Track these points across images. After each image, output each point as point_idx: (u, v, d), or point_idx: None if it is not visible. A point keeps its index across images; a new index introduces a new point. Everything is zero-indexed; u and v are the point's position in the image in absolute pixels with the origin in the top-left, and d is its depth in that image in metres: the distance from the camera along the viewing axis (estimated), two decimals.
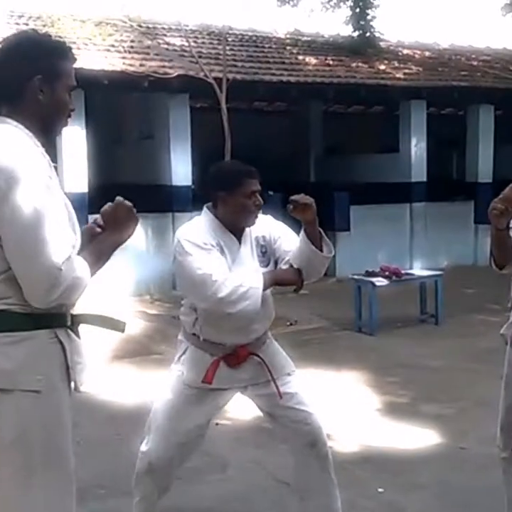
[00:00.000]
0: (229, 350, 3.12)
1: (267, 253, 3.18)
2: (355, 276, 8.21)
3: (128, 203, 2.30)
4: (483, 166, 13.00)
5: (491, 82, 13.02)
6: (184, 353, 3.18)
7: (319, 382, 6.10)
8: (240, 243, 3.13)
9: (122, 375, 6.34)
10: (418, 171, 12.33)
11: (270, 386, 3.15)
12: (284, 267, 3.14)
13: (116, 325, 2.34)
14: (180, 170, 10.55)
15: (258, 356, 3.16)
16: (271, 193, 10.85)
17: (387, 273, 8.11)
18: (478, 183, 12.97)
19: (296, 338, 7.69)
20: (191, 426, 3.15)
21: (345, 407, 5.39)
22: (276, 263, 3.19)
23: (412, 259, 12.15)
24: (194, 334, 3.14)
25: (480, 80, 13.06)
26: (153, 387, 5.85)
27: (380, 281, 7.88)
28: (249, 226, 3.13)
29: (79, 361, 2.19)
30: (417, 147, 12.35)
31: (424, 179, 12.40)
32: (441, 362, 6.69)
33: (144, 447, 3.22)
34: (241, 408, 5.17)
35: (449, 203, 13.04)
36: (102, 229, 2.29)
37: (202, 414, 3.18)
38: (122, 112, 12.40)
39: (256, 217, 3.13)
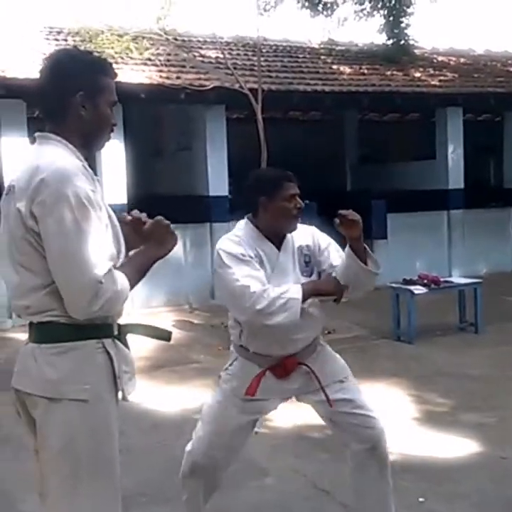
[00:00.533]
0: (276, 361, 3.11)
1: (310, 263, 3.17)
2: (393, 285, 8.18)
3: (166, 221, 2.34)
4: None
5: None
6: (233, 363, 3.22)
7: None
8: (279, 251, 3.12)
9: (164, 384, 6.41)
10: (455, 177, 12.26)
11: (321, 394, 3.14)
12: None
13: (163, 334, 2.41)
14: (217, 180, 10.63)
15: (306, 365, 3.14)
16: (307, 201, 10.84)
17: (425, 281, 8.07)
18: None
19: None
20: (235, 429, 3.18)
21: (385, 416, 5.36)
22: (319, 275, 3.19)
23: (451, 266, 12.05)
24: (241, 346, 3.17)
25: None
26: (194, 396, 5.95)
27: (419, 290, 7.85)
28: (291, 231, 3.13)
29: (126, 370, 2.24)
30: (454, 154, 12.28)
31: (462, 186, 12.32)
32: (481, 370, 6.64)
33: (188, 447, 3.29)
34: (280, 416, 5.22)
35: (487, 210, 12.94)
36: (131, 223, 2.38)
37: (246, 420, 3.21)
38: (160, 125, 12.56)
39: (297, 221, 3.12)
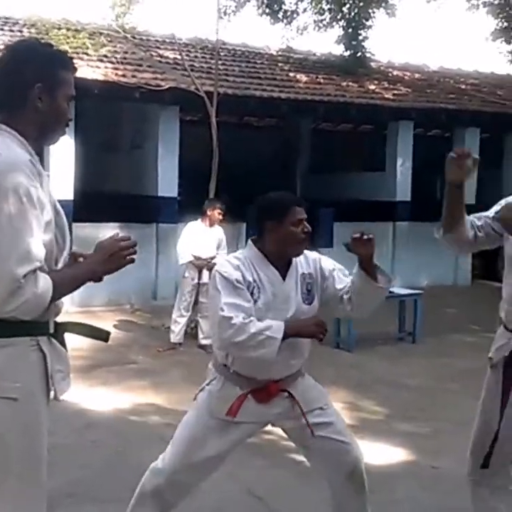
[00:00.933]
0: (259, 384, 3.05)
1: (311, 291, 3.11)
2: None
3: (123, 242, 2.28)
4: (467, 188, 12.99)
5: (478, 105, 13.23)
6: (211, 382, 3.14)
7: None
8: (283, 278, 3.06)
9: (100, 384, 6.38)
10: (403, 190, 12.50)
11: (302, 419, 3.09)
12: (339, 305, 3.12)
13: (101, 334, 2.38)
14: (167, 181, 10.63)
15: (288, 393, 3.09)
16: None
17: None
18: None
19: None
20: (210, 455, 3.08)
21: None
22: (322, 302, 3.13)
23: (393, 277, 12.26)
24: (225, 365, 3.09)
25: (467, 103, 13.28)
26: (130, 397, 5.94)
27: None
28: (298, 255, 3.09)
29: (60, 369, 2.21)
30: (403, 167, 12.52)
31: (409, 198, 12.57)
32: (418, 381, 6.79)
33: (156, 467, 3.15)
34: None
35: (432, 224, 13.01)
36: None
37: (223, 445, 3.10)
38: (113, 122, 12.48)
39: (304, 246, 3.09)
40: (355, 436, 5.08)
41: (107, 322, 8.38)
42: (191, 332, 8.14)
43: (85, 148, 10.54)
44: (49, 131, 2.27)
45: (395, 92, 12.92)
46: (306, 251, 3.14)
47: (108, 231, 9.75)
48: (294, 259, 3.10)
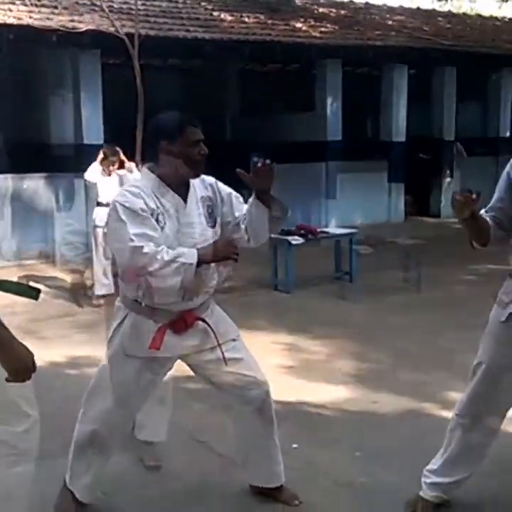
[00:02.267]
0: (174, 316, 2.99)
1: (213, 214, 3.06)
2: (272, 235, 8.18)
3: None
4: (397, 125, 13.19)
5: (405, 41, 13.13)
6: (122, 321, 3.02)
7: None
8: (185, 202, 2.98)
9: (35, 339, 6.17)
10: (333, 129, 12.42)
11: (215, 352, 3.08)
12: (238, 234, 3.06)
13: (30, 292, 2.27)
14: (92, 128, 10.26)
15: (204, 321, 3.06)
16: None
17: (302, 231, 8.15)
18: (392, 142, 13.17)
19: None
20: (136, 393, 3.08)
21: (262, 365, 5.37)
22: (222, 226, 3.08)
23: (328, 217, 12.28)
24: (136, 300, 2.98)
25: (394, 39, 13.16)
26: (67, 350, 5.77)
27: (296, 240, 7.91)
28: (195, 177, 3.00)
29: None
30: (333, 106, 12.41)
31: (340, 138, 12.49)
32: (357, 318, 6.81)
33: (86, 415, 3.14)
34: None
35: (364, 162, 13.18)
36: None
37: (146, 381, 3.08)
38: (32, 68, 11.90)
39: (202, 167, 2.98)
40: (295, 377, 5.13)
41: (36, 276, 8.13)
42: None
43: (4, 97, 10.05)
44: None
45: (322, 29, 12.70)
46: (202, 175, 3.06)
47: (32, 182, 9.51)
48: (191, 183, 3.01)
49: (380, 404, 4.58)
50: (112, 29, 9.09)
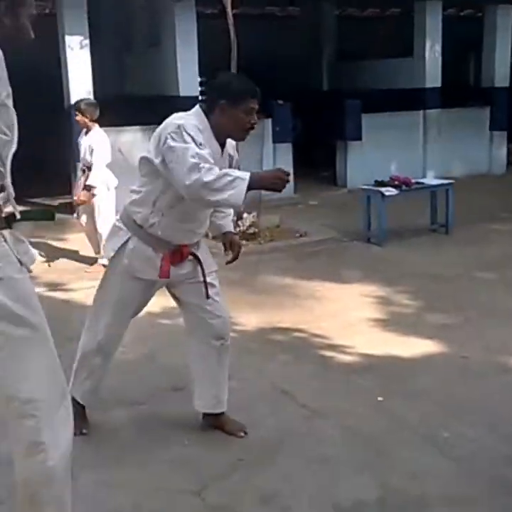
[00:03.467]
0: (172, 247, 3.29)
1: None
2: (364, 187, 8.10)
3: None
4: (500, 70, 12.63)
5: None
6: (126, 243, 3.28)
7: (325, 292, 6.12)
8: (221, 155, 3.24)
9: None
10: (432, 76, 11.99)
11: (198, 279, 3.40)
12: None
13: (47, 215, 2.53)
14: (188, 80, 10.27)
15: (196, 256, 3.39)
16: (280, 102, 10.62)
17: (396, 182, 7.99)
18: (494, 88, 12.63)
19: (304, 250, 7.69)
20: (135, 309, 3.47)
21: (350, 318, 5.41)
22: None
23: (426, 168, 11.96)
24: (141, 227, 3.25)
25: None
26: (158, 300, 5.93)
27: (390, 191, 7.76)
28: (240, 141, 3.30)
29: (24, 251, 2.33)
30: (432, 51, 11.97)
31: (439, 85, 12.07)
32: (450, 271, 6.66)
33: (91, 329, 3.50)
34: (245, 320, 5.24)
35: (464, 109, 12.71)
36: None
37: (144, 299, 3.47)
38: (128, 19, 12.05)
39: (247, 134, 3.23)
40: (384, 330, 5.11)
41: None
42: None
43: (101, 48, 10.23)
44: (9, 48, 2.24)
45: None
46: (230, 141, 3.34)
47: (130, 135, 9.68)
48: (228, 140, 3.27)
49: (469, 359, 4.51)
50: None
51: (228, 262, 3.56)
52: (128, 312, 3.47)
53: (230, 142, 3.34)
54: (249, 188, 2.88)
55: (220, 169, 2.99)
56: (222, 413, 3.63)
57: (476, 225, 8.49)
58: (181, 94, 10.27)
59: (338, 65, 14.24)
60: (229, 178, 2.86)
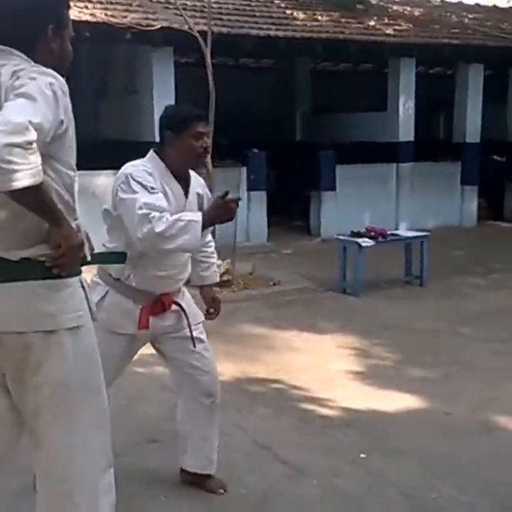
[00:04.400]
0: (153, 297, 3.16)
1: (201, 210, 3.15)
2: (341, 237, 8.08)
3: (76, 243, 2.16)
4: (471, 126, 12.84)
5: (482, 40, 12.76)
6: (104, 297, 3.13)
7: (301, 343, 6.02)
8: (186, 197, 3.14)
9: None
10: (406, 130, 12.15)
11: (184, 333, 3.25)
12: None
13: (119, 257, 2.66)
14: None
15: (180, 306, 3.24)
16: (255, 150, 10.66)
17: (372, 233, 7.98)
18: (465, 144, 12.83)
19: (279, 299, 7.60)
20: (116, 367, 3.19)
21: (328, 370, 5.31)
22: None
23: (398, 219, 12.04)
24: (118, 279, 3.12)
25: (470, 38, 12.79)
26: None
27: (366, 242, 7.75)
28: (197, 168, 3.22)
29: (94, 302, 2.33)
30: (406, 106, 12.15)
31: (412, 139, 12.23)
32: (427, 324, 6.61)
33: None
34: (222, 369, 5.09)
35: (437, 164, 12.88)
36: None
37: (125, 356, 3.27)
38: (106, 66, 12.09)
39: (203, 160, 3.20)
40: (364, 383, 5.00)
41: None
42: None
43: (79, 93, 10.17)
44: (59, 73, 2.17)
45: (396, 27, 12.42)
46: (193, 173, 3.25)
47: (104, 179, 9.59)
48: (192, 177, 3.19)
49: (452, 416, 4.42)
50: (186, 27, 9.09)
51: (210, 319, 3.47)
52: (109, 370, 3.11)
53: (198, 180, 3.27)
54: (204, 227, 2.82)
55: (185, 210, 2.99)
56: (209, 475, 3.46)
57: (450, 277, 8.50)
58: (157, 140, 10.21)
59: (312, 117, 14.39)
60: (181, 224, 2.78)
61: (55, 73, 2.06)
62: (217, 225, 5.87)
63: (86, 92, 11.74)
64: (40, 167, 1.91)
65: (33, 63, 2.08)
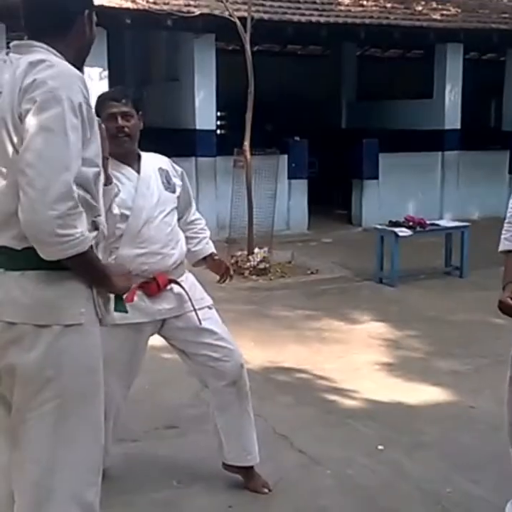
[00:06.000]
0: (145, 277, 3.02)
1: (172, 182, 3.18)
2: (378, 226, 7.97)
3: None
4: None
5: None
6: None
7: (333, 332, 5.96)
8: (138, 173, 3.08)
9: None
10: (452, 117, 11.90)
11: (191, 319, 3.10)
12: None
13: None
14: (205, 114, 10.28)
15: (178, 284, 3.09)
16: (297, 138, 10.58)
17: (411, 223, 7.84)
18: None
19: (314, 288, 7.54)
20: (120, 365, 3.02)
21: (356, 361, 5.24)
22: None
23: (443, 209, 11.82)
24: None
25: None
26: None
27: (403, 232, 7.62)
28: (120, 152, 2.98)
29: (103, 300, 2.18)
30: (452, 93, 11.89)
31: (458, 126, 11.97)
32: (463, 316, 6.47)
33: None
34: (250, 356, 5.07)
35: (483, 152, 12.59)
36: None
37: (129, 353, 3.10)
38: (148, 53, 12.14)
39: (123, 141, 3.00)
40: (391, 375, 4.92)
41: None
42: None
43: (120, 81, 10.25)
44: (84, 59, 2.20)
45: (444, 12, 12.15)
46: (156, 154, 3.21)
47: None
48: (144, 157, 3.12)
49: (478, 410, 4.31)
50: (226, 13, 9.05)
51: (220, 281, 3.40)
52: (121, 371, 3.05)
53: (160, 158, 3.22)
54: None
55: (139, 185, 3.01)
56: (251, 466, 3.34)
57: (491, 269, 8.24)
58: (198, 127, 10.25)
59: (357, 104, 14.22)
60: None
61: (76, 72, 2.01)
62: (254, 214, 5.82)
63: (129, 79, 11.84)
64: (87, 233, 1.95)
65: (53, 56, 2.02)
